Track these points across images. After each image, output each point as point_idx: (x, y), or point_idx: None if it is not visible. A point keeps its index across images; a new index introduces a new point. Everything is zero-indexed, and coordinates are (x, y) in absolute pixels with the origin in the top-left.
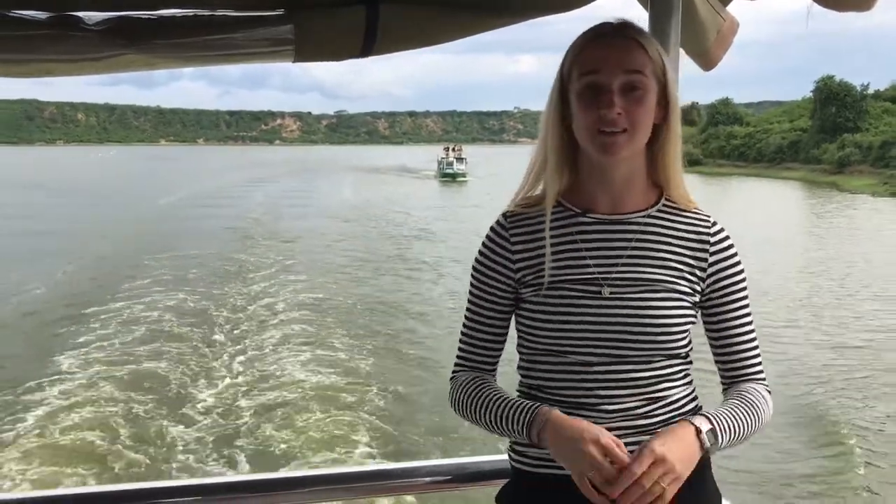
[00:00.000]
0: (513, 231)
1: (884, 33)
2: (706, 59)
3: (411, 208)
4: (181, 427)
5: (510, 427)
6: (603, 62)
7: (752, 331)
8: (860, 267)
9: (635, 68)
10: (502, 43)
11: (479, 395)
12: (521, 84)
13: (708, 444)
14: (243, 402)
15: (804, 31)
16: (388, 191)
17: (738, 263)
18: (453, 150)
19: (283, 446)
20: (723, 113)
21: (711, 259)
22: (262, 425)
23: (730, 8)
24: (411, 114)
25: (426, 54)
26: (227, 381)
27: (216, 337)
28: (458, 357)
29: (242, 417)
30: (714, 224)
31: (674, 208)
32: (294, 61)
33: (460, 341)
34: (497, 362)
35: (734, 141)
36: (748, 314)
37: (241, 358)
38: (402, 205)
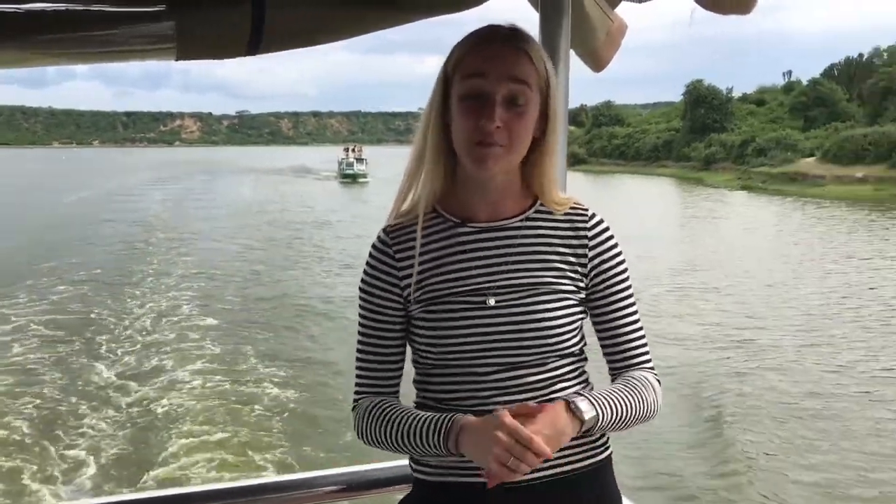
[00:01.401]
0: (396, 247)
1: (783, 35)
2: (596, 60)
3: (308, 205)
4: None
5: (426, 443)
6: (489, 67)
7: (637, 320)
8: (675, 244)
9: (522, 78)
10: (407, 43)
11: (387, 418)
12: (426, 85)
13: (586, 418)
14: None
15: (707, 33)
16: (286, 190)
17: (618, 255)
18: (353, 150)
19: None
20: (605, 115)
21: (591, 253)
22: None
23: (618, 10)
24: (315, 114)
25: (331, 53)
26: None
27: (124, 307)
28: (357, 384)
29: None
30: (592, 217)
31: (550, 210)
32: (177, 59)
33: (357, 367)
34: (398, 382)
35: (615, 141)
36: (632, 304)
37: (147, 321)
38: (299, 203)
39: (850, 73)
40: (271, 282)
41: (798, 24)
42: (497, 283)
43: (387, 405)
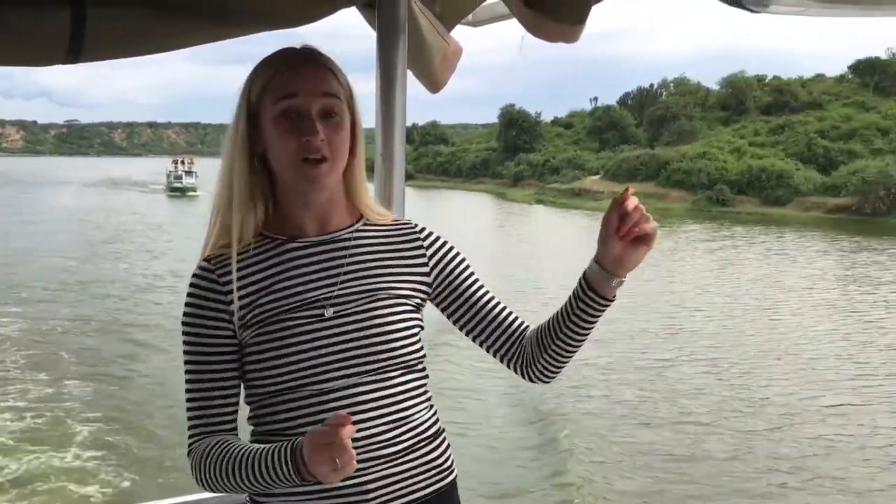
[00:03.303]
0: (220, 273)
1: (626, 59)
2: (433, 82)
3: (130, 214)
4: None
5: (276, 474)
6: (301, 85)
7: (494, 297)
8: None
9: (332, 92)
10: (253, 54)
11: (230, 456)
12: None
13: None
14: None
15: (551, 55)
16: (109, 201)
17: (453, 248)
18: (182, 162)
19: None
20: (432, 134)
21: (432, 260)
22: None
23: (453, 33)
24: (151, 125)
25: (173, 63)
26: None
27: None
28: (190, 426)
29: None
30: (417, 225)
31: (377, 223)
32: None
33: (189, 409)
34: (235, 419)
35: (440, 158)
36: (483, 285)
37: None
38: (117, 213)
39: (641, 100)
40: (80, 270)
41: (636, 51)
42: (333, 294)
43: (226, 444)
